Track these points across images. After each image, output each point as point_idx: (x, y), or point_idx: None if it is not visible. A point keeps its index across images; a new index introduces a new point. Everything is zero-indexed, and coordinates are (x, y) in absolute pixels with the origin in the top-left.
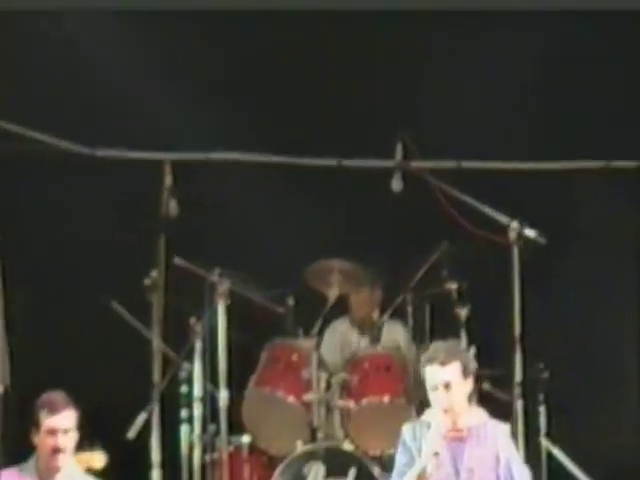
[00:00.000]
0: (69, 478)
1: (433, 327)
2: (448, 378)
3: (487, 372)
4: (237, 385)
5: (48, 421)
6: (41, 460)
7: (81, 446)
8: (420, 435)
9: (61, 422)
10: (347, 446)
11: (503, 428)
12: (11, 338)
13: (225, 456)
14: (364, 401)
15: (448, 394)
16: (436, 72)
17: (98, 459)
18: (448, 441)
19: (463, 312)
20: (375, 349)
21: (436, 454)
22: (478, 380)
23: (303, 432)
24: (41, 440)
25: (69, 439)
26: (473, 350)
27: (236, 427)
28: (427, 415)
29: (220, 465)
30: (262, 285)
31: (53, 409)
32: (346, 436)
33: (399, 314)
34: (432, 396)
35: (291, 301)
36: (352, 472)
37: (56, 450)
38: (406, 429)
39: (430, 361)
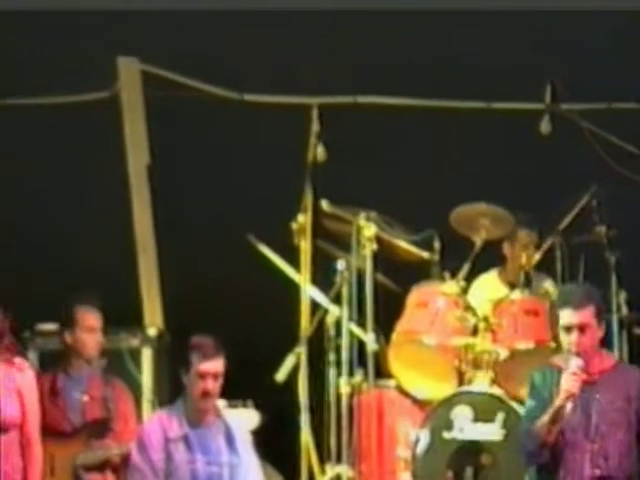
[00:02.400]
0: (219, 420)
1: (583, 273)
2: (583, 321)
3: (638, 317)
4: (384, 330)
5: (201, 365)
6: (189, 402)
7: (233, 402)
8: (550, 380)
9: (213, 367)
10: (495, 391)
11: (636, 372)
12: (163, 283)
13: (372, 399)
14: (512, 346)
15: (582, 337)
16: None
17: (252, 418)
18: (580, 385)
19: (613, 257)
20: (524, 294)
21: (572, 395)
22: (629, 325)
23: (450, 377)
24: (192, 383)
25: (218, 384)
26: (624, 295)
27: (383, 371)
28: (557, 360)
29: (367, 408)
30: (408, 229)
31: (206, 354)
32: (494, 381)
33: (548, 260)
34: (565, 339)
35: (438, 245)
36: (500, 417)
37: (206, 393)
38: (536, 374)
39: (565, 304)
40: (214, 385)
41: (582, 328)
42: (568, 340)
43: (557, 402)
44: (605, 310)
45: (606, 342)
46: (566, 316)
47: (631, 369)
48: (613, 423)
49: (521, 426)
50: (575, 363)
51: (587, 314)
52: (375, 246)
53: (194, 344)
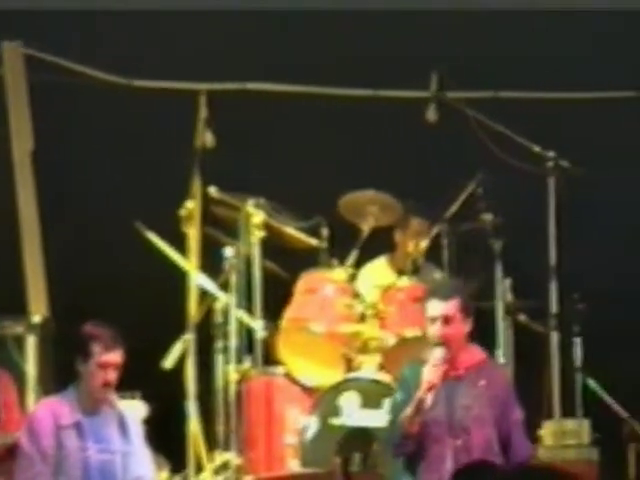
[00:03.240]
0: (113, 409)
1: (469, 260)
2: (447, 312)
3: (522, 304)
4: (272, 317)
5: (103, 356)
6: (84, 390)
7: (120, 393)
8: (419, 375)
9: (114, 358)
10: (382, 377)
11: (502, 369)
12: (49, 271)
13: (260, 387)
14: (400, 333)
15: (445, 328)
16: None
17: (139, 409)
18: (445, 380)
19: (498, 244)
20: (411, 281)
21: (433, 386)
22: (514, 312)
23: (338, 364)
24: (91, 372)
25: (116, 374)
26: (509, 282)
27: (272, 359)
28: (426, 354)
29: (255, 396)
30: (297, 216)
31: (108, 345)
32: (381, 368)
33: (434, 248)
34: (431, 330)
35: (326, 232)
36: (387, 403)
37: (106, 384)
38: (407, 368)
39: (432, 295)
40: (113, 376)
41: (446, 320)
42: (433, 331)
43: (419, 393)
44: (473, 306)
45: (491, 328)
46: (431, 307)
47: (499, 367)
48: (477, 419)
49: (388, 418)
50: (436, 354)
51: (452, 306)
52: (263, 233)
53: (93, 334)
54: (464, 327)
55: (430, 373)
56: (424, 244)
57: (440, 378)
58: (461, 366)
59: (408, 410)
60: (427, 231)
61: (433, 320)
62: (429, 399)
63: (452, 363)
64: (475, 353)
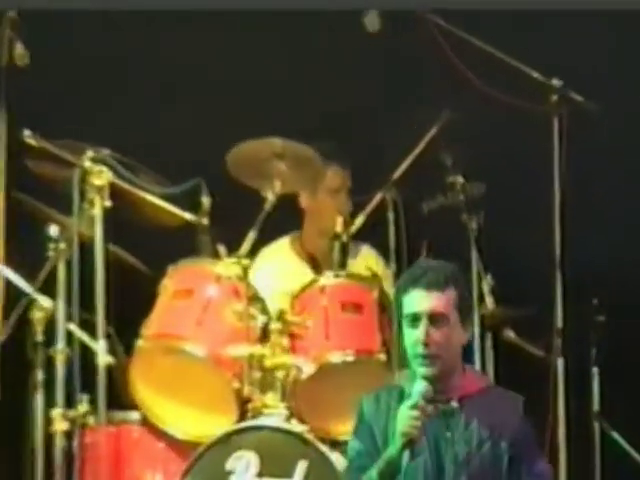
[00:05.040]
0: None
1: (428, 246)
2: (437, 308)
3: (510, 313)
4: (123, 332)
5: None
6: None
7: None
8: (387, 409)
9: None
10: (294, 427)
11: (514, 401)
12: None
13: (104, 441)
14: (323, 358)
15: (435, 333)
16: None
17: None
18: (431, 416)
19: (474, 221)
20: (340, 277)
21: (411, 441)
22: (497, 326)
23: (225, 405)
24: None
25: None
26: (489, 279)
27: (122, 398)
28: (400, 378)
29: (96, 455)
30: (162, 178)
31: None
32: (293, 412)
33: (374, 226)
34: (411, 336)
35: (207, 203)
36: (301, 468)
37: None
38: (366, 401)
39: (413, 284)
40: None
41: (435, 319)
42: (414, 338)
43: (390, 450)
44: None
45: (465, 349)
46: (413, 300)
47: (510, 398)
48: (477, 476)
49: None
50: (420, 389)
51: (445, 300)
52: (110, 202)
53: None
54: (462, 337)
55: (408, 421)
56: (356, 217)
57: (421, 429)
58: (453, 394)
59: (373, 473)
60: (347, 187)
61: (415, 319)
62: (406, 458)
63: (441, 389)
64: (474, 378)
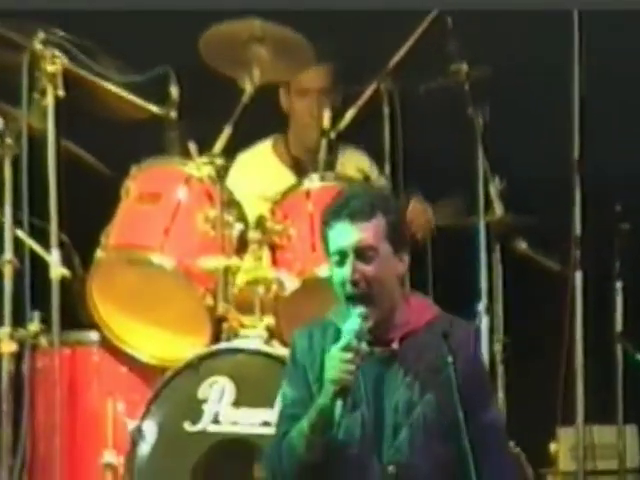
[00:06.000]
0: None
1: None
2: (364, 241)
3: (521, 220)
4: (80, 241)
5: None
6: None
7: None
8: (321, 350)
9: None
10: (275, 350)
11: (466, 331)
12: None
13: (58, 364)
14: (308, 271)
15: (364, 267)
16: None
17: None
18: (366, 359)
19: (480, 115)
20: (327, 179)
21: (343, 389)
22: (507, 235)
23: (197, 325)
24: None
25: None
26: (497, 181)
27: (79, 316)
28: (335, 314)
29: (48, 380)
30: (123, 64)
31: None
32: (271, 333)
33: (364, 125)
34: (338, 274)
35: (175, 93)
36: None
37: None
38: (299, 337)
39: (335, 217)
40: None
41: (363, 253)
42: (341, 277)
43: (321, 399)
44: (408, 238)
45: (465, 265)
46: (337, 235)
47: (462, 329)
48: (421, 426)
49: (274, 429)
50: (353, 327)
51: (373, 230)
52: (64, 92)
53: None
54: (398, 268)
55: (339, 367)
56: (345, 113)
57: (356, 372)
58: (395, 334)
59: (304, 425)
60: (332, 80)
61: (341, 257)
62: (338, 408)
63: (380, 329)
64: (420, 309)
